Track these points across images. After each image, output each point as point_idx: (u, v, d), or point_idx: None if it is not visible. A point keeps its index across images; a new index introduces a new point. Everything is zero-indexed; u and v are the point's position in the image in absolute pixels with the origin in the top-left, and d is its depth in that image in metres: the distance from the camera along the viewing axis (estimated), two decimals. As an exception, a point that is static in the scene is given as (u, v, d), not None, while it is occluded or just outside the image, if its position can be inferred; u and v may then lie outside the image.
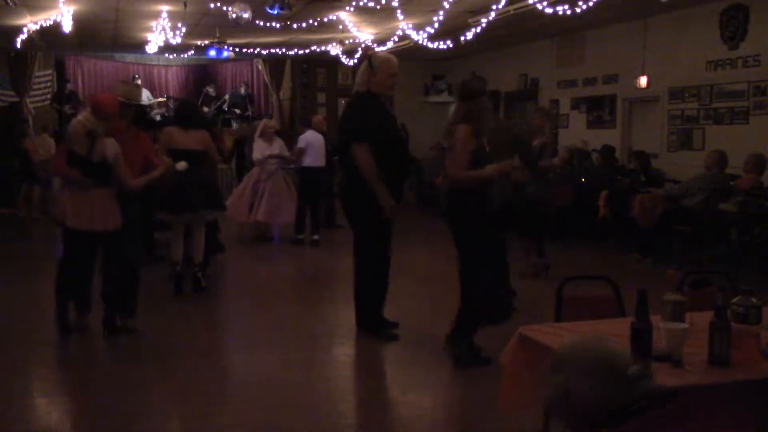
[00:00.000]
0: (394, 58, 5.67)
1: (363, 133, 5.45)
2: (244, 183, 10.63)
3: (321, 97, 18.01)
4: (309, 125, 10.92)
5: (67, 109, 15.48)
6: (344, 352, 5.73)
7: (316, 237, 10.40)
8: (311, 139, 10.41)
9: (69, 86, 16.37)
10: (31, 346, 5.71)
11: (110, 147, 5.46)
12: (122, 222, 5.60)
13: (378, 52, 5.62)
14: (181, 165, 6.72)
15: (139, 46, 14.64)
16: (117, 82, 7.24)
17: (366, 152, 5.38)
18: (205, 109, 15.93)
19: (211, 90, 17.36)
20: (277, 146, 10.40)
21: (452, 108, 5.21)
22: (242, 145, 13.39)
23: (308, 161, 10.31)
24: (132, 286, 5.92)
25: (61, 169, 5.58)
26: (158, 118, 14.73)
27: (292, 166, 10.80)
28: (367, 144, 5.39)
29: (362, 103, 5.58)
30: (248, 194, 10.25)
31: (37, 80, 16.28)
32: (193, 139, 6.96)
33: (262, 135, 10.32)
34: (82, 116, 5.62)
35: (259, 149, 10.28)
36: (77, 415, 4.48)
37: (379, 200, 5.40)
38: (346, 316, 6.84)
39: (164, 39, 12.70)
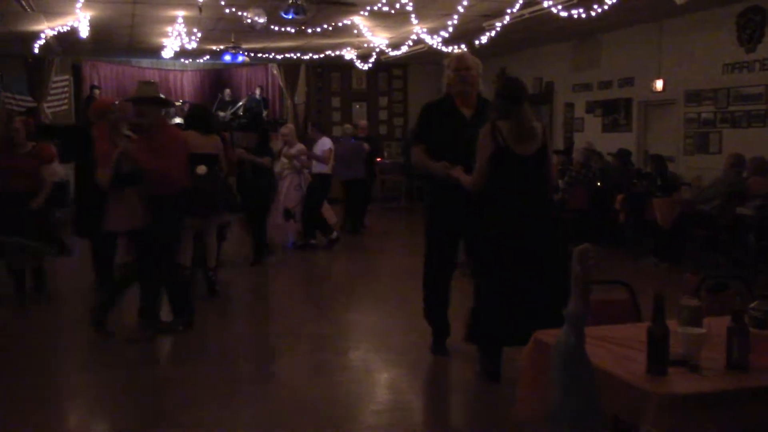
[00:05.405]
0: (457, 53, 5.76)
1: (414, 135, 5.67)
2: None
3: (336, 102, 18.07)
4: (323, 131, 11.17)
5: None
6: (357, 356, 5.71)
7: (313, 241, 10.37)
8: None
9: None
10: (47, 352, 5.75)
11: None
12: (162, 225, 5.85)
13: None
14: (201, 169, 6.74)
15: (155, 51, 14.73)
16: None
17: (418, 152, 5.45)
18: (221, 113, 15.97)
19: (227, 95, 17.41)
20: (295, 150, 10.35)
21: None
22: None
23: (316, 168, 10.52)
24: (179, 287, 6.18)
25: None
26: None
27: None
28: (421, 146, 5.44)
29: (423, 108, 5.70)
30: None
31: (54, 86, 16.38)
32: (210, 143, 6.97)
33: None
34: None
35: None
36: (91, 419, 4.51)
37: (442, 173, 5.18)
38: (359, 319, 6.84)
39: (180, 44, 12.78)
